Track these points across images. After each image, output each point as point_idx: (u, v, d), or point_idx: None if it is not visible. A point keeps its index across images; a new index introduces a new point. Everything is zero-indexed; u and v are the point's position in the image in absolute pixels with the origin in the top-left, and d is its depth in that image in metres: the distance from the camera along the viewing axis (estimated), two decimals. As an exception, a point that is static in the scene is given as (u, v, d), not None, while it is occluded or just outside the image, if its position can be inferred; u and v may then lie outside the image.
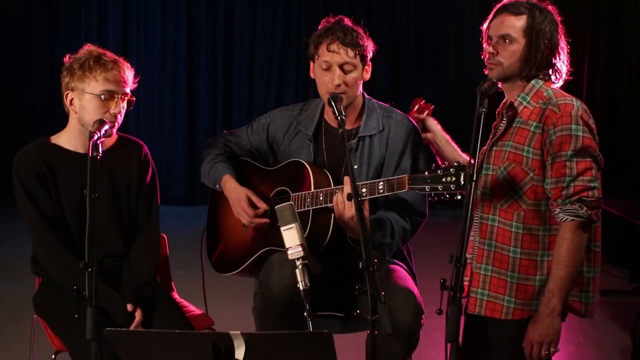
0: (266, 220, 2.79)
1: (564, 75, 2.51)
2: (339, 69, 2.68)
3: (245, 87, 8.89)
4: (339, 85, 2.68)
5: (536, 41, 2.44)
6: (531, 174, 2.43)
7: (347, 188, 2.47)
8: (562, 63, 2.50)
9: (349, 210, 2.51)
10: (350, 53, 2.68)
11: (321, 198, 2.65)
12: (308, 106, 2.94)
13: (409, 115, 2.91)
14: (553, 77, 2.50)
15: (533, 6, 2.47)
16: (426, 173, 2.37)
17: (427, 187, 2.36)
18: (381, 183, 2.51)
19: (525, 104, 2.47)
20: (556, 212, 2.38)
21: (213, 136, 3.12)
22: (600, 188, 2.40)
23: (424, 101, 2.97)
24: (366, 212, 2.54)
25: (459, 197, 2.31)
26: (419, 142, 2.83)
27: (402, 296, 2.62)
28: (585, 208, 2.34)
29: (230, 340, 1.87)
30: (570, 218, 2.35)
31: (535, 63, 2.45)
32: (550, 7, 2.51)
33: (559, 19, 2.51)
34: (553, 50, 2.47)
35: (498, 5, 2.53)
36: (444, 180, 2.33)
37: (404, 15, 8.71)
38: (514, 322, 2.47)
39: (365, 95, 2.85)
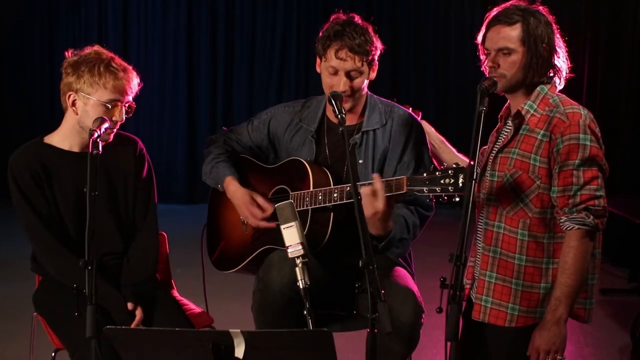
0: (273, 224, 2.76)
1: (564, 74, 2.51)
2: (345, 75, 2.68)
3: (245, 87, 8.90)
4: (344, 91, 2.68)
5: (535, 47, 2.42)
6: (538, 182, 2.42)
7: (377, 184, 2.45)
8: (562, 62, 2.49)
9: (373, 205, 2.46)
10: (358, 61, 2.67)
11: (320, 197, 2.65)
12: (310, 103, 2.94)
13: None
14: (556, 79, 2.49)
15: (525, 12, 2.44)
16: (424, 174, 2.37)
17: (425, 189, 2.36)
18: None
19: (532, 111, 2.45)
20: (562, 221, 2.38)
21: (213, 134, 3.12)
22: (605, 196, 2.40)
23: (411, 108, 2.96)
24: (390, 208, 2.51)
25: (457, 199, 2.31)
26: (421, 136, 2.83)
27: (402, 295, 2.62)
28: (591, 217, 2.35)
29: (230, 338, 1.87)
30: (577, 226, 2.35)
31: (538, 69, 2.44)
32: (541, 8, 2.49)
33: (552, 18, 2.49)
34: (552, 52, 2.46)
35: (490, 16, 2.49)
36: (442, 182, 2.32)
37: (404, 15, 8.72)
38: (516, 329, 2.46)
39: (368, 92, 2.85)
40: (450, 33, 8.63)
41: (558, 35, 2.49)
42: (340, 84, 2.67)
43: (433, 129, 2.92)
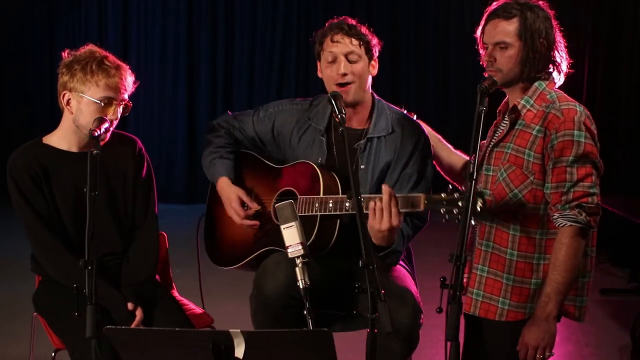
0: (256, 222, 2.79)
1: (564, 68, 2.50)
2: (344, 58, 2.69)
3: (245, 87, 8.90)
4: (345, 75, 2.68)
5: (532, 42, 2.42)
6: (531, 178, 2.43)
7: (386, 197, 2.42)
8: (560, 57, 2.49)
9: (386, 221, 2.43)
10: (355, 42, 2.69)
11: (330, 205, 2.62)
12: (318, 101, 2.91)
13: None
14: (555, 74, 2.49)
15: (523, 6, 2.44)
16: (443, 195, 2.35)
17: (442, 209, 2.34)
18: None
19: (528, 106, 2.46)
20: (555, 217, 2.38)
21: (215, 120, 3.06)
22: (600, 194, 2.40)
23: (405, 110, 2.96)
24: (399, 224, 2.47)
25: (473, 223, 2.28)
26: (427, 149, 2.81)
27: (400, 295, 2.61)
28: (584, 214, 2.35)
29: (230, 338, 1.87)
30: (569, 223, 2.35)
31: (535, 64, 2.44)
32: (541, 3, 2.49)
33: (552, 12, 2.50)
34: (550, 47, 2.46)
35: (489, 10, 2.50)
36: (460, 204, 2.30)
37: (404, 15, 8.72)
38: (507, 323, 2.47)
39: (376, 96, 2.85)
40: (450, 33, 8.63)
41: (557, 31, 2.49)
42: (341, 67, 2.68)
43: (429, 127, 2.91)
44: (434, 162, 2.83)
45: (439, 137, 2.90)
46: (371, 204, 2.44)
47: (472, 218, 2.23)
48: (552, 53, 2.46)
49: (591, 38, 7.83)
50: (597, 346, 4.18)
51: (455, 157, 2.82)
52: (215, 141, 2.94)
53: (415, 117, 2.92)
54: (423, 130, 2.84)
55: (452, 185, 2.42)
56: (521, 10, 2.43)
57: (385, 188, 2.43)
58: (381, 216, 2.42)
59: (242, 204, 2.81)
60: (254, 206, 2.80)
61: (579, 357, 4.03)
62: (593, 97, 7.68)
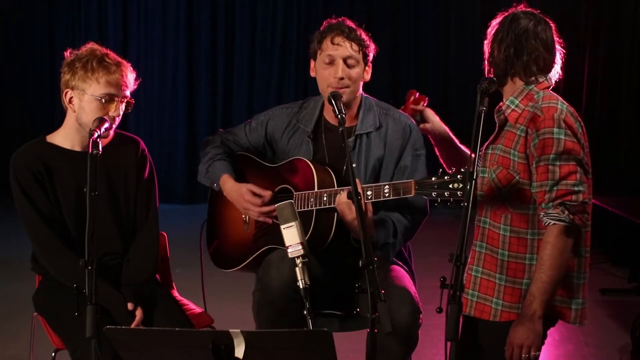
0: (272, 207, 2.72)
1: (546, 70, 2.48)
2: (342, 62, 2.69)
3: (245, 87, 8.90)
4: (342, 79, 2.69)
5: (491, 46, 2.50)
6: (517, 177, 2.43)
7: (344, 196, 2.48)
8: (532, 62, 2.45)
9: (351, 210, 2.49)
10: (355, 47, 2.70)
11: (325, 198, 2.64)
12: (307, 104, 2.94)
13: (405, 107, 2.91)
14: (541, 77, 2.47)
15: (510, 14, 2.50)
16: (433, 179, 2.37)
17: (433, 193, 2.36)
18: (387, 187, 2.50)
19: (513, 107, 2.47)
20: (541, 216, 2.39)
21: (210, 136, 3.11)
22: (587, 192, 2.38)
23: (418, 93, 2.96)
24: (370, 214, 2.53)
25: (465, 204, 2.29)
26: (418, 139, 2.83)
27: (398, 295, 2.61)
28: (567, 212, 2.33)
29: (230, 338, 1.87)
30: (553, 222, 2.34)
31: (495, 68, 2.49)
32: (537, 15, 2.49)
33: (535, 22, 2.47)
34: (502, 52, 2.46)
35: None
36: (451, 186, 2.32)
37: (404, 15, 8.71)
38: (502, 324, 2.47)
39: (363, 93, 2.86)
40: (450, 32, 8.63)
41: (551, 42, 2.47)
42: (339, 71, 2.69)
43: (438, 118, 2.91)
44: (438, 155, 2.84)
45: (446, 128, 2.88)
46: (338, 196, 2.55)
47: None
48: (517, 58, 2.45)
49: (591, 38, 7.82)
50: (597, 346, 4.18)
51: (461, 151, 2.82)
52: (212, 151, 2.95)
53: (426, 103, 2.92)
54: (411, 120, 2.85)
55: (443, 169, 2.45)
56: (502, 18, 2.50)
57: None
58: (339, 207, 2.53)
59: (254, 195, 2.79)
60: (267, 193, 2.77)
61: (579, 357, 4.03)
62: (593, 97, 7.67)
